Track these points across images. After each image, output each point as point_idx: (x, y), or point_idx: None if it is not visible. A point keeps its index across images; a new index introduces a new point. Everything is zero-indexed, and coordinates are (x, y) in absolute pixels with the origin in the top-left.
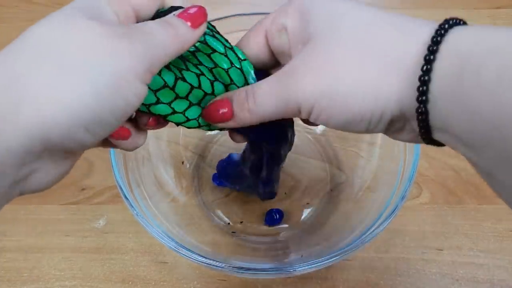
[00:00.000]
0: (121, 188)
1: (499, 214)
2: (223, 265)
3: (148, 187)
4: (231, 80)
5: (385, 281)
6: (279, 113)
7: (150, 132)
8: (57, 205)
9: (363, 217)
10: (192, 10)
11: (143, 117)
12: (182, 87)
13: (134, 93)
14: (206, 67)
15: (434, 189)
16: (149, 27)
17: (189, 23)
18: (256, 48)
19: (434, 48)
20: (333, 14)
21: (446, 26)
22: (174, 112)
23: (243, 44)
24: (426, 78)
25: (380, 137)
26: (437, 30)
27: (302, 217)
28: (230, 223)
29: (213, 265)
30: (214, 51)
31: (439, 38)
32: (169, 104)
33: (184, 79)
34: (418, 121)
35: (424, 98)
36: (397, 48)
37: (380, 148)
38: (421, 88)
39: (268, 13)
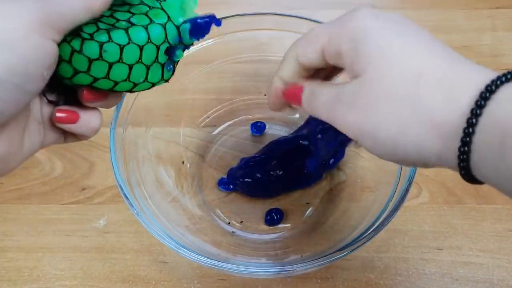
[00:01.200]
0: (121, 188)
1: (499, 214)
2: (223, 265)
3: (149, 187)
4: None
5: (385, 281)
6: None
7: (150, 132)
8: (57, 205)
9: (363, 217)
10: None
11: (79, 92)
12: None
13: (32, 46)
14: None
15: (434, 189)
16: None
17: None
18: (312, 57)
19: (473, 121)
20: (384, 54)
21: (494, 87)
22: (95, 79)
23: (299, 51)
24: (466, 149)
25: None
26: (480, 96)
27: (302, 217)
28: (230, 223)
29: (213, 264)
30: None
31: (478, 111)
32: (87, 72)
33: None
34: (460, 175)
35: (465, 164)
36: (441, 114)
37: None
38: (461, 156)
39: (269, 14)
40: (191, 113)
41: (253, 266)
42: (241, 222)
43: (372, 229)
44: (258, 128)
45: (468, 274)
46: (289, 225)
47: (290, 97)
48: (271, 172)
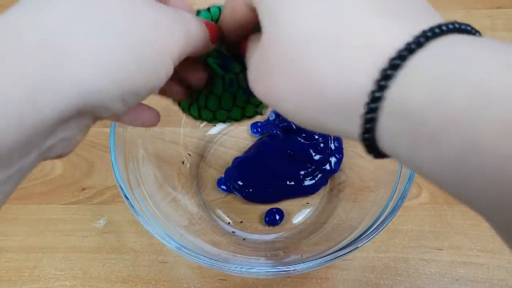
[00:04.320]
0: (121, 188)
1: None
2: (223, 265)
3: (148, 187)
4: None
5: (385, 281)
6: None
7: (150, 132)
8: (57, 205)
9: (363, 217)
10: (211, 25)
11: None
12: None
13: (166, 71)
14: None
15: (434, 189)
16: (188, 16)
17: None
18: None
19: (374, 106)
20: (277, 10)
21: (414, 46)
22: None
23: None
24: (367, 136)
25: None
26: (389, 63)
27: (302, 217)
28: (230, 223)
29: (213, 265)
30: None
31: (377, 94)
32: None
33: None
34: (366, 151)
35: (369, 143)
36: (334, 86)
37: None
38: (365, 135)
39: None
40: None
41: (253, 266)
42: (241, 222)
43: (372, 229)
44: (258, 128)
45: (468, 274)
46: (289, 225)
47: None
48: (269, 179)
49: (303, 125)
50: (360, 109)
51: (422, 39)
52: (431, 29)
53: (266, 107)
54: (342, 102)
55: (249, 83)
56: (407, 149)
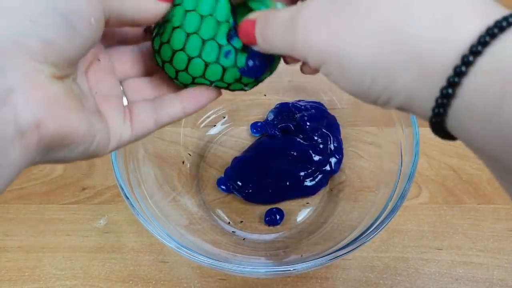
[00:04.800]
0: (121, 187)
1: (498, 214)
2: (223, 264)
3: (149, 187)
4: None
5: (385, 281)
6: (287, 54)
7: None
8: (58, 205)
9: (363, 217)
10: None
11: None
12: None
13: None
14: None
15: (433, 189)
16: None
17: None
18: None
19: (470, 59)
20: None
21: (505, 23)
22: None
23: None
24: (450, 91)
25: (380, 137)
26: (486, 32)
27: (302, 216)
28: (230, 223)
29: (214, 264)
30: None
31: (479, 48)
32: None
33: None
34: (430, 124)
35: (441, 111)
36: (429, 44)
37: (380, 148)
38: (440, 100)
39: None
40: None
41: (253, 266)
42: (241, 222)
43: (372, 229)
44: (258, 128)
45: (468, 274)
46: (289, 225)
47: (244, 35)
48: (269, 180)
49: (361, 79)
50: (448, 69)
51: (496, 29)
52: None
53: (254, 85)
54: (430, 58)
55: (299, 30)
56: (493, 105)
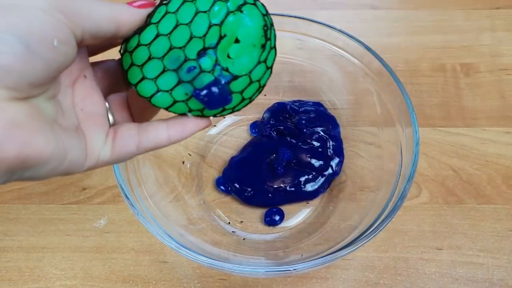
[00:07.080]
0: (122, 188)
1: (498, 214)
2: (223, 264)
3: (149, 187)
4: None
5: (385, 281)
6: None
7: None
8: (58, 205)
9: (363, 217)
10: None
11: None
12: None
13: (40, 17)
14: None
15: (434, 189)
16: None
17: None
18: None
19: None
20: None
21: None
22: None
23: None
24: None
25: (380, 137)
26: None
27: (302, 216)
28: (230, 223)
29: (213, 264)
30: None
31: None
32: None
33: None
34: None
35: None
36: None
37: (380, 148)
38: None
39: (276, 15)
40: None
41: (253, 266)
42: (241, 222)
43: (372, 229)
44: (257, 128)
45: (468, 274)
46: (289, 225)
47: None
48: (268, 184)
49: None
50: None
51: None
52: None
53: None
54: None
55: None
56: None
